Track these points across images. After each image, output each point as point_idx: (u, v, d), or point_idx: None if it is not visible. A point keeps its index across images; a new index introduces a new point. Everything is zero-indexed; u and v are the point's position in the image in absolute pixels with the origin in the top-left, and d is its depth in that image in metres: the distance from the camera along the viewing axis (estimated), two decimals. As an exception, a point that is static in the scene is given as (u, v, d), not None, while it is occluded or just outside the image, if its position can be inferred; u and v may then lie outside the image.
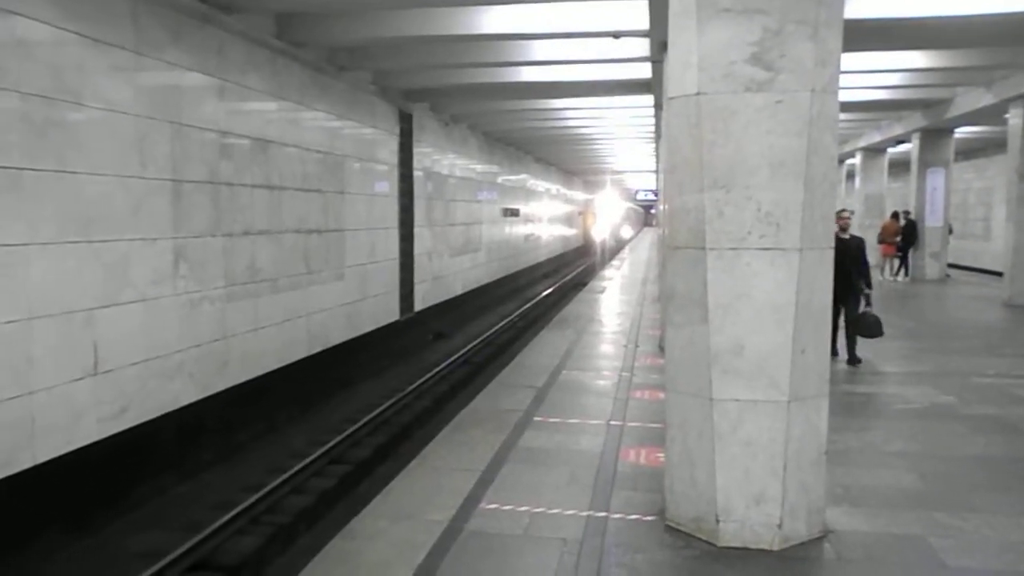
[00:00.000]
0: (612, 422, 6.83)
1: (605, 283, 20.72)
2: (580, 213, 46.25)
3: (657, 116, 16.46)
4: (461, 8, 9.73)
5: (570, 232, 42.38)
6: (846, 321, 9.26)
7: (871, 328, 9.02)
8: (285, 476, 8.24)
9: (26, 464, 6.26)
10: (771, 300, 4.13)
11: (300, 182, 10.91)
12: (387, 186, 14.54)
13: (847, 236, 9.00)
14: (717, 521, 4.26)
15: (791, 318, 4.12)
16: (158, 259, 7.91)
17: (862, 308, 9.12)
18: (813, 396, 4.28)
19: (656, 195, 33.76)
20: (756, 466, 4.22)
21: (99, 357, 7.10)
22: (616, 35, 10.06)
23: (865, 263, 9.28)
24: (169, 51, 8.02)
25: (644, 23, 9.18)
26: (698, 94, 4.10)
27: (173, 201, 8.12)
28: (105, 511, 7.34)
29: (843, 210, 9.19)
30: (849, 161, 28.05)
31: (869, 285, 9.21)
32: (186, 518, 7.39)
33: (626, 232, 55.11)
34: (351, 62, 11.89)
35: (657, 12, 8.24)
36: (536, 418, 6.93)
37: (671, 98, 4.34)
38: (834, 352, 9.13)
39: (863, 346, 9.34)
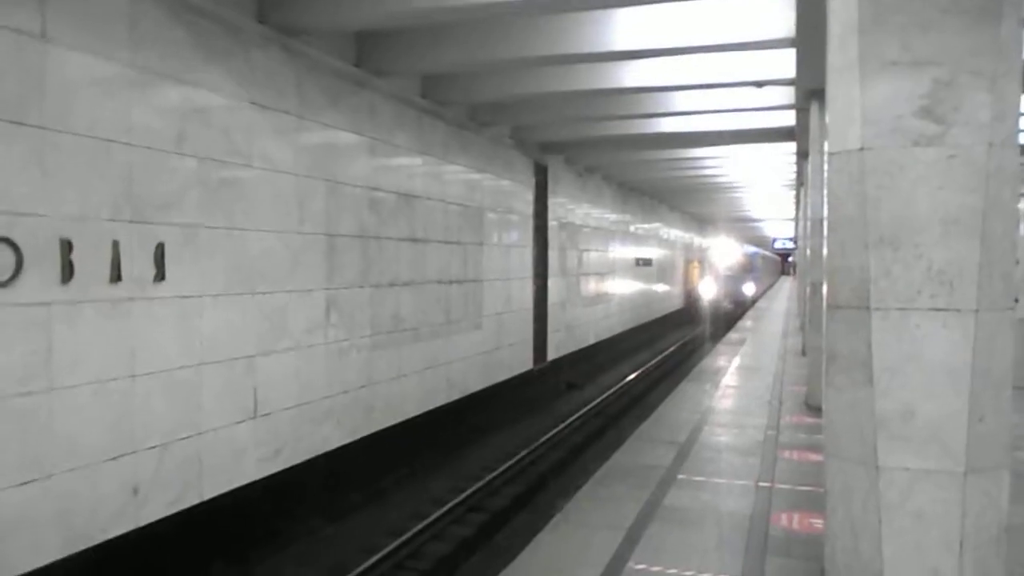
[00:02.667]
0: (761, 483, 6.58)
1: (743, 335, 20.14)
2: (690, 262, 36.23)
3: (799, 163, 16.06)
4: (601, 64, 9.87)
5: (696, 285, 38.43)
6: None
7: None
8: (426, 522, 8.39)
9: (194, 500, 6.66)
10: (944, 364, 3.89)
11: (441, 234, 11.26)
12: (523, 236, 14.79)
13: None
14: (885, 597, 4.00)
15: (967, 383, 3.86)
16: (312, 309, 8.33)
17: None
18: (992, 468, 3.98)
19: (794, 243, 32.71)
20: (928, 540, 3.94)
21: (258, 402, 7.51)
22: (759, 84, 9.92)
23: None
24: (327, 114, 8.54)
25: (789, 71, 9.02)
26: (862, 149, 3.96)
27: (327, 254, 8.56)
28: (261, 549, 7.69)
29: None
30: None
31: None
32: (334, 559, 7.63)
33: (749, 287, 38.54)
34: (491, 118, 12.27)
35: (805, 61, 8.08)
36: (680, 476, 6.78)
37: (832, 153, 4.22)
38: None
39: None
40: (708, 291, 35.34)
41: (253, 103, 7.42)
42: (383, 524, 8.61)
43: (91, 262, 5.71)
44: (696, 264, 37.85)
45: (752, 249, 41.39)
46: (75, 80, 5.62)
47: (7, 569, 5.09)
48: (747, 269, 39.05)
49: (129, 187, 6.04)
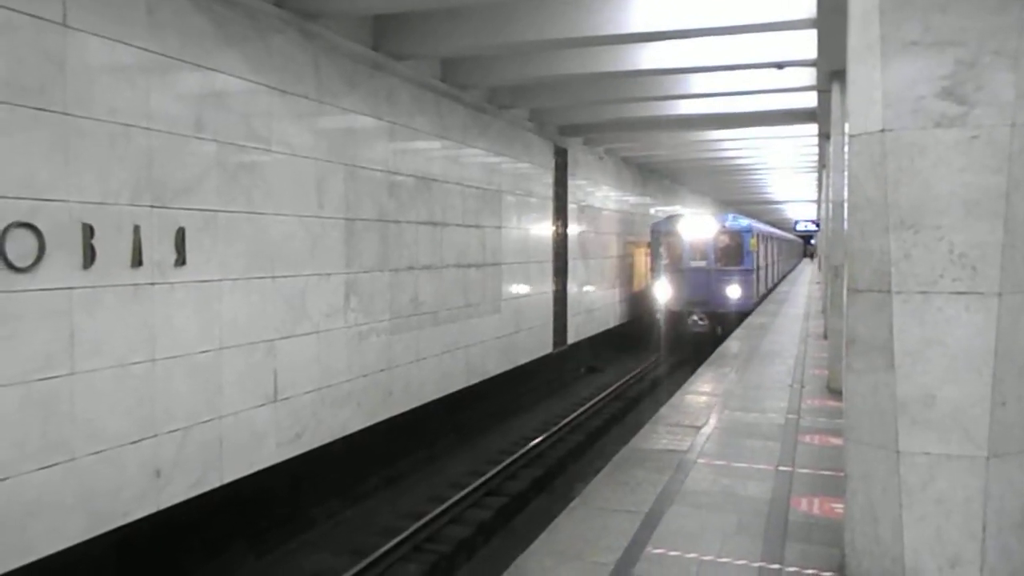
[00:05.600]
0: (781, 468, 6.54)
1: (764, 319, 20.00)
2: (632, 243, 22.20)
3: (821, 145, 15.87)
4: (620, 46, 9.78)
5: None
6: None
7: None
8: (444, 506, 8.43)
9: (215, 483, 6.74)
10: (966, 348, 3.84)
11: (460, 217, 11.26)
12: (542, 219, 14.75)
13: None
14: (905, 583, 3.97)
15: (989, 367, 3.81)
16: (332, 293, 8.37)
17: None
18: (1015, 453, 3.93)
19: (817, 225, 32.36)
20: (950, 526, 3.91)
21: (278, 385, 7.57)
22: (780, 66, 9.81)
23: None
24: (346, 98, 8.54)
25: (810, 53, 8.89)
26: (883, 131, 3.91)
27: (346, 238, 8.58)
28: (281, 531, 7.78)
29: None
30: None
31: None
32: (353, 542, 7.70)
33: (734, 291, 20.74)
34: (510, 101, 12.22)
35: (826, 42, 7.96)
36: (699, 460, 6.76)
37: (852, 136, 4.16)
38: None
39: None
40: (662, 295, 21.03)
41: (271, 87, 7.43)
42: (402, 507, 8.68)
43: (112, 247, 5.76)
44: (644, 251, 22.89)
45: (743, 222, 21.58)
46: (95, 66, 5.65)
47: (32, 551, 5.18)
48: (730, 258, 20.87)
49: (149, 172, 6.08)
